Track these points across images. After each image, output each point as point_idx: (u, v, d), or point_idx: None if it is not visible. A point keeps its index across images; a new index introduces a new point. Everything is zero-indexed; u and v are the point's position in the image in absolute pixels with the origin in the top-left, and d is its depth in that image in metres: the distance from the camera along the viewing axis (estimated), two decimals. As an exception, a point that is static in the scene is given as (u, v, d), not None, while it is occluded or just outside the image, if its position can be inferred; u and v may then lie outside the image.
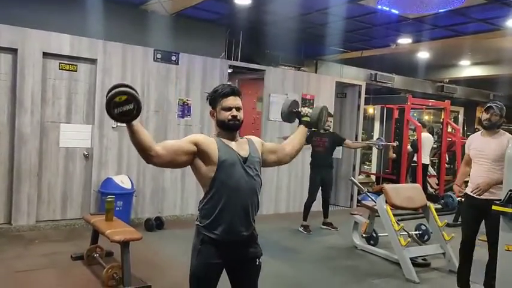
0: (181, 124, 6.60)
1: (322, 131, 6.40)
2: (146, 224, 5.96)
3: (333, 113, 7.10)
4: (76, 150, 5.95)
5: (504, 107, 3.90)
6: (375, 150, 10.80)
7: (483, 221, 3.88)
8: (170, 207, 6.60)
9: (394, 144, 8.72)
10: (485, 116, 3.87)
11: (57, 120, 5.81)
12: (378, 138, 9.35)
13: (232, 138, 2.33)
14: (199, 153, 2.22)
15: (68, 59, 5.82)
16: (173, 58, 6.51)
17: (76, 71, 5.90)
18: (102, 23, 6.15)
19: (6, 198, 5.54)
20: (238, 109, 2.32)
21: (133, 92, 1.97)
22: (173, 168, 2.30)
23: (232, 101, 2.31)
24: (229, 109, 2.30)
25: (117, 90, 1.95)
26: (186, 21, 7.23)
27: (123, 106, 1.94)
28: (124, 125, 2.01)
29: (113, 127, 6.06)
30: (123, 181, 5.89)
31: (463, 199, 4.34)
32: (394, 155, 9.32)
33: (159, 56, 6.39)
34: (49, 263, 4.48)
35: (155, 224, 5.98)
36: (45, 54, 5.62)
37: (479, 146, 3.93)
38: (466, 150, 4.20)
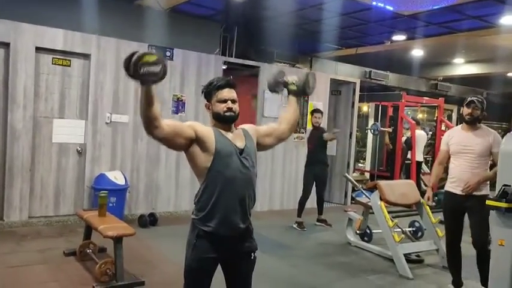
0: (175, 120, 6.55)
1: (311, 127, 6.44)
2: (140, 220, 5.93)
3: (326, 111, 7.08)
4: (69, 146, 5.90)
5: (485, 101, 3.88)
6: (369, 148, 10.83)
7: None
8: (164, 204, 6.58)
9: (390, 130, 8.83)
10: (466, 110, 3.84)
11: (50, 115, 5.76)
12: (373, 124, 9.44)
13: (228, 130, 2.32)
14: (197, 141, 2.21)
15: (61, 54, 5.77)
16: (167, 54, 6.47)
17: (69, 66, 5.85)
18: (97, 17, 6.10)
19: (-2, 194, 5.49)
20: (233, 101, 2.31)
21: (162, 56, 2.00)
22: (168, 147, 2.23)
23: (227, 93, 2.31)
24: (225, 101, 2.29)
25: (147, 51, 1.96)
26: (180, 17, 7.19)
27: (150, 66, 1.92)
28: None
29: (106, 122, 6.03)
30: (117, 177, 5.85)
31: (434, 203, 4.38)
32: (390, 145, 9.31)
33: (153, 51, 6.34)
34: (42, 259, 4.45)
35: (149, 220, 5.96)
36: (38, 49, 5.57)
37: (463, 140, 3.88)
38: (443, 146, 4.11)
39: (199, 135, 2.20)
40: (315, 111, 6.59)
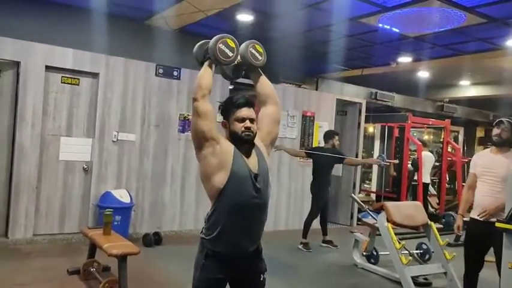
0: (181, 139, 6.59)
1: (325, 147, 6.40)
2: (144, 239, 5.89)
3: (334, 131, 7.06)
4: (75, 164, 5.92)
5: None
6: (375, 169, 10.78)
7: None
8: (169, 223, 6.54)
9: (396, 161, 8.68)
10: (495, 131, 3.60)
11: (57, 133, 5.81)
12: (379, 156, 9.34)
13: (246, 153, 2.22)
14: (214, 149, 2.14)
15: (71, 73, 5.85)
16: (175, 73, 6.54)
17: (78, 85, 5.92)
18: (106, 37, 6.18)
19: (4, 211, 5.49)
20: (252, 121, 2.24)
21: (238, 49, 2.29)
22: (195, 125, 2.18)
23: (246, 112, 2.23)
24: (243, 120, 2.21)
25: (232, 37, 2.26)
26: (188, 37, 7.26)
27: (227, 48, 2.23)
28: None
29: (113, 141, 6.05)
30: (122, 195, 5.85)
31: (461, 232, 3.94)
32: (395, 173, 9.29)
33: (161, 71, 6.42)
34: (45, 277, 4.42)
35: (153, 239, 5.92)
36: (48, 68, 5.65)
37: (488, 163, 3.63)
38: (472, 169, 3.84)
39: (221, 143, 2.16)
40: (337, 134, 6.61)
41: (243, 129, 2.21)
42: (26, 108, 5.50)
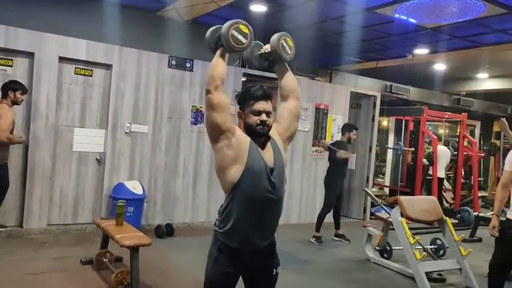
0: (194, 131, 6.58)
1: (341, 141, 6.33)
2: (156, 230, 5.91)
3: (351, 124, 6.94)
4: (89, 155, 5.95)
5: None
6: (388, 162, 10.65)
7: None
8: (181, 215, 6.55)
9: (413, 149, 8.69)
10: None
11: (71, 124, 5.83)
12: (396, 143, 9.27)
13: (262, 145, 2.19)
14: (229, 142, 2.10)
15: (84, 64, 5.85)
16: (188, 65, 6.51)
17: (91, 76, 5.93)
18: (119, 28, 6.20)
19: (19, 201, 5.54)
20: (268, 114, 2.18)
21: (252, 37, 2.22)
22: (209, 117, 2.14)
23: (262, 104, 2.18)
24: (259, 113, 2.16)
25: (246, 23, 2.19)
26: (201, 28, 7.14)
27: (240, 33, 2.16)
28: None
29: (126, 132, 6.07)
30: (135, 187, 5.87)
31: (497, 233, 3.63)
32: (411, 162, 9.15)
33: (173, 62, 6.39)
34: (58, 267, 4.46)
35: (165, 231, 5.93)
36: (62, 59, 5.66)
37: None
38: (507, 167, 3.63)
39: (236, 134, 2.12)
40: (354, 127, 6.51)
41: (258, 122, 2.16)
42: (40, 99, 5.53)
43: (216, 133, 2.12)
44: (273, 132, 2.26)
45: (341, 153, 6.13)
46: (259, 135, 2.18)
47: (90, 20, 6.23)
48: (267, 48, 2.39)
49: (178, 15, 6.69)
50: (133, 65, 6.10)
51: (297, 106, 2.41)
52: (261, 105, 2.18)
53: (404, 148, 9.09)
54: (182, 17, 6.80)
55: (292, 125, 2.38)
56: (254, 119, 2.17)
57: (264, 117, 2.17)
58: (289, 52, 2.37)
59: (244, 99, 2.22)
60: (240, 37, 2.16)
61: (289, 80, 2.40)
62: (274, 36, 2.34)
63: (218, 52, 2.19)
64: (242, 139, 2.13)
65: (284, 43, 2.34)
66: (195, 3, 6.17)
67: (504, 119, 4.96)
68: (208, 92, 2.12)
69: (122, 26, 6.21)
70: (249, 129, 2.19)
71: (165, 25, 6.82)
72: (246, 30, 2.18)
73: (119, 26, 6.16)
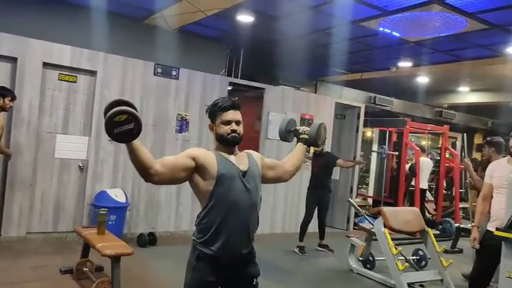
0: (179, 139, 6.54)
1: (317, 151, 6.39)
2: (139, 239, 5.84)
3: (330, 135, 7.06)
4: (71, 162, 5.87)
5: None
6: (372, 173, 10.74)
7: None
8: (164, 223, 6.49)
9: (397, 153, 8.83)
10: None
11: (53, 130, 5.75)
12: (381, 147, 9.38)
13: (231, 152, 2.27)
14: (197, 168, 2.16)
15: (68, 70, 5.79)
16: (173, 73, 6.50)
17: (75, 82, 5.87)
18: (104, 35, 6.16)
19: (-3, 208, 5.43)
20: (238, 123, 2.26)
21: (133, 110, 1.89)
22: (172, 184, 2.17)
23: (232, 115, 2.25)
24: (229, 123, 2.24)
25: (117, 109, 1.85)
26: (188, 37, 7.26)
27: (123, 126, 1.85)
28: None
29: (109, 139, 5.99)
30: (117, 195, 5.79)
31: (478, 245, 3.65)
32: (396, 166, 9.27)
33: (159, 70, 6.38)
34: (37, 276, 4.36)
35: (148, 240, 5.86)
36: (45, 64, 5.60)
37: (506, 174, 3.43)
38: (487, 180, 3.72)
39: (199, 162, 2.15)
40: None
41: (228, 131, 2.23)
42: (22, 104, 5.44)
43: (188, 178, 2.18)
44: (258, 157, 2.40)
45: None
46: (231, 143, 2.25)
47: (76, 26, 6.19)
48: (305, 129, 2.63)
49: (165, 23, 6.69)
50: (118, 72, 6.06)
51: (285, 176, 2.57)
52: (230, 115, 2.24)
53: (389, 152, 9.25)
54: (169, 25, 6.80)
55: (271, 175, 2.48)
56: (225, 129, 2.23)
57: (234, 126, 2.24)
58: (320, 144, 2.69)
59: (214, 111, 2.28)
60: (126, 126, 1.86)
61: (299, 160, 2.60)
62: (316, 124, 2.63)
63: (127, 149, 1.94)
64: (206, 157, 2.19)
65: (323, 132, 2.64)
66: (182, 12, 6.17)
67: (467, 159, 5.22)
68: (151, 182, 2.05)
69: (108, 33, 6.18)
70: (220, 139, 2.26)
71: (151, 33, 6.81)
72: (124, 116, 1.85)
73: (105, 32, 6.12)
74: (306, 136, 2.61)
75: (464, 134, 8.86)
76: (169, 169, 2.07)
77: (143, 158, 1.97)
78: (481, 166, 10.90)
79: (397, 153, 8.96)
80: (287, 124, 2.70)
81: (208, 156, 2.20)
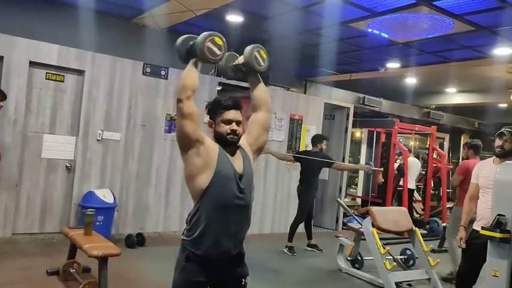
0: (167, 139, 6.51)
1: (313, 151, 6.38)
2: (127, 240, 5.79)
3: (323, 135, 7.03)
4: (58, 162, 5.80)
5: None
6: (361, 174, 10.80)
7: None
8: (153, 224, 6.45)
9: (381, 169, 8.81)
10: (497, 142, 3.54)
11: (40, 130, 5.68)
12: (367, 163, 9.41)
13: (231, 153, 2.23)
14: (198, 150, 2.12)
15: (55, 69, 5.73)
16: (162, 73, 6.46)
17: (63, 82, 5.80)
18: (93, 34, 6.10)
19: (-18, 209, 5.35)
20: (238, 123, 2.24)
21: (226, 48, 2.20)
22: (180, 128, 2.16)
23: (233, 114, 2.24)
24: (230, 122, 2.22)
25: (221, 35, 2.17)
26: (177, 37, 7.14)
27: (215, 46, 2.15)
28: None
29: (97, 139, 5.95)
30: (105, 195, 5.74)
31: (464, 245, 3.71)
32: (383, 180, 9.34)
33: (148, 70, 6.34)
34: (23, 278, 4.30)
35: (136, 241, 5.82)
36: (32, 63, 5.52)
37: (491, 174, 3.41)
38: (473, 180, 3.76)
39: (205, 143, 2.14)
40: (325, 138, 6.59)
41: (228, 131, 2.21)
42: (8, 104, 5.34)
43: (187, 142, 2.14)
44: (243, 142, 2.31)
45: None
46: (230, 143, 2.22)
47: (64, 25, 6.12)
48: (240, 59, 2.41)
49: (154, 22, 6.65)
50: (106, 71, 6.01)
51: (267, 118, 2.43)
52: (231, 114, 2.23)
53: (375, 168, 8.99)
54: (158, 25, 6.77)
55: (262, 137, 2.40)
56: (225, 128, 2.21)
57: (234, 126, 2.22)
58: (262, 64, 2.39)
59: (215, 109, 2.26)
60: (215, 49, 2.15)
61: (261, 91, 2.43)
62: (248, 48, 2.36)
63: (191, 62, 2.17)
64: (211, 147, 2.17)
65: (257, 55, 2.36)
66: (171, 12, 6.14)
67: None
68: (179, 101, 2.11)
69: (97, 32, 6.12)
70: (219, 138, 2.23)
71: (140, 32, 6.78)
72: (220, 42, 2.17)
73: (93, 31, 6.06)
74: (244, 67, 2.40)
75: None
76: (193, 110, 2.11)
77: (194, 80, 2.13)
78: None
79: (382, 169, 8.94)
80: (226, 60, 2.42)
81: (213, 145, 2.19)
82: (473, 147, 5.27)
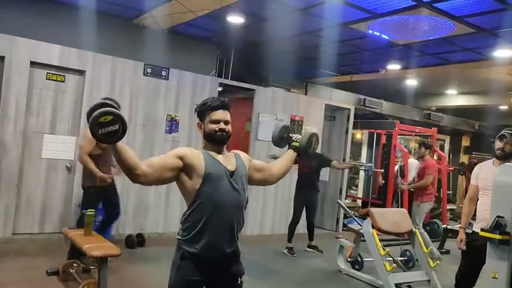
0: (168, 140, 6.51)
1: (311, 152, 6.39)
2: (127, 240, 5.80)
3: (320, 136, 7.05)
4: (59, 162, 5.81)
5: None
6: (361, 175, 10.81)
7: None
8: (153, 224, 6.45)
9: (382, 171, 8.80)
10: (498, 144, 3.54)
11: (41, 130, 5.69)
12: (368, 165, 9.38)
13: (219, 152, 2.28)
14: (185, 168, 2.16)
15: (56, 69, 5.73)
16: (163, 73, 6.47)
17: (63, 82, 5.81)
18: (94, 35, 6.09)
19: (-17, 209, 5.35)
20: (226, 123, 2.28)
21: (118, 112, 1.89)
22: (160, 185, 2.16)
23: (221, 114, 2.27)
24: (217, 122, 2.25)
25: (102, 110, 1.85)
26: (178, 37, 7.23)
27: (108, 127, 1.86)
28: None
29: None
30: (106, 195, 5.73)
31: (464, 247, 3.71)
32: (383, 181, 9.33)
33: (149, 70, 6.34)
34: (22, 278, 4.30)
35: (136, 241, 5.83)
36: (33, 64, 5.53)
37: (491, 175, 3.41)
38: (473, 181, 3.76)
39: (186, 161, 2.16)
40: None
41: (216, 129, 2.24)
42: (9, 104, 5.38)
43: (175, 178, 2.18)
44: (244, 156, 2.39)
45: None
46: (219, 141, 2.26)
47: (65, 25, 6.12)
48: (297, 137, 2.66)
49: (155, 23, 6.65)
50: (107, 71, 6.01)
51: (275, 176, 2.58)
52: (219, 115, 2.26)
53: (376, 170, 9.13)
54: (159, 26, 6.77)
55: (258, 177, 2.49)
56: (213, 127, 2.25)
57: (222, 125, 2.26)
58: (311, 149, 2.69)
59: (203, 110, 2.30)
60: (111, 127, 1.86)
61: (287, 166, 2.61)
62: (308, 133, 2.66)
63: (112, 150, 1.95)
64: (194, 156, 2.19)
65: (314, 141, 2.67)
66: (172, 12, 6.14)
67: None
68: (138, 183, 2.03)
69: (97, 33, 6.11)
70: (208, 137, 2.27)
71: (141, 33, 6.77)
72: (109, 117, 1.86)
73: (94, 32, 6.06)
74: (297, 144, 2.64)
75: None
76: (156, 170, 2.07)
77: (128, 159, 1.97)
78: (469, 169, 11.06)
79: (383, 170, 8.95)
80: (280, 130, 2.71)
81: (196, 155, 2.20)
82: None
